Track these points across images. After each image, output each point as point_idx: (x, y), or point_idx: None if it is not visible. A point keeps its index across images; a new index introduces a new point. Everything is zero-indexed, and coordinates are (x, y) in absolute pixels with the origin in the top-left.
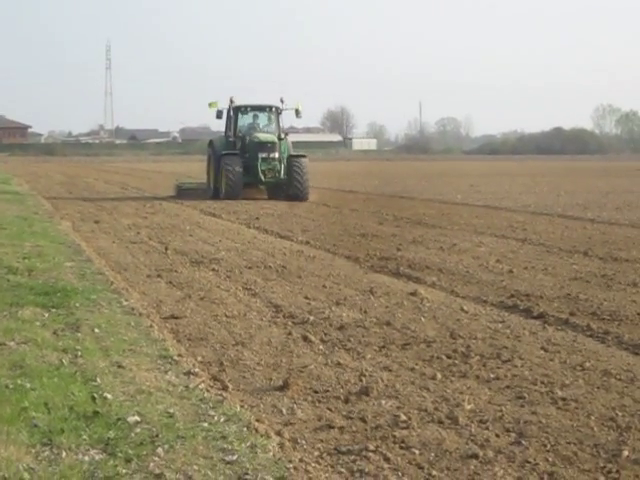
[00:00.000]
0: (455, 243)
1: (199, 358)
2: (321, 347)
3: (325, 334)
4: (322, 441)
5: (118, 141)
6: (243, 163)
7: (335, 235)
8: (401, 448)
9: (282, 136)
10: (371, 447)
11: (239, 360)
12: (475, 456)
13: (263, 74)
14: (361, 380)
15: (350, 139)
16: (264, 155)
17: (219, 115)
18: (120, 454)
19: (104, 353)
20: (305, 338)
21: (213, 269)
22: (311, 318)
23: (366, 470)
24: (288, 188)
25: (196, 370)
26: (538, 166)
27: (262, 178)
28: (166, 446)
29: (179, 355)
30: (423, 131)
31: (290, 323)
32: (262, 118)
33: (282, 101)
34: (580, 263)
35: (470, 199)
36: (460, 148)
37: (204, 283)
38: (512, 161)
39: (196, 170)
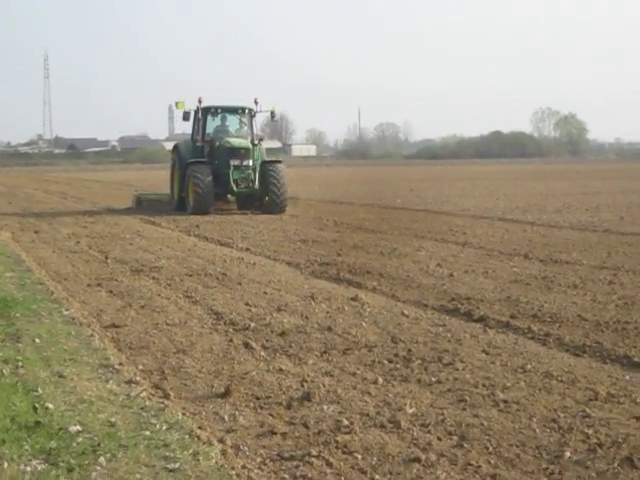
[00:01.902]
0: (395, 248)
1: (140, 366)
2: (262, 353)
3: (266, 340)
4: (265, 447)
5: (57, 151)
6: (212, 171)
7: (275, 241)
8: (344, 453)
9: (256, 141)
10: (314, 452)
11: (180, 368)
12: (418, 460)
13: (204, 79)
14: (303, 386)
15: (289, 145)
16: (236, 162)
17: (186, 117)
18: (62, 464)
19: (45, 363)
20: (246, 345)
21: (153, 277)
22: (252, 325)
23: (309, 476)
24: (263, 199)
25: (137, 379)
26: (477, 170)
27: (234, 188)
28: (108, 455)
29: (120, 364)
30: (362, 136)
31: (231, 330)
32: (234, 121)
33: (256, 102)
34: (520, 266)
35: (410, 203)
36: (399, 153)
37: (144, 292)
38: (451, 165)
39: (134, 178)
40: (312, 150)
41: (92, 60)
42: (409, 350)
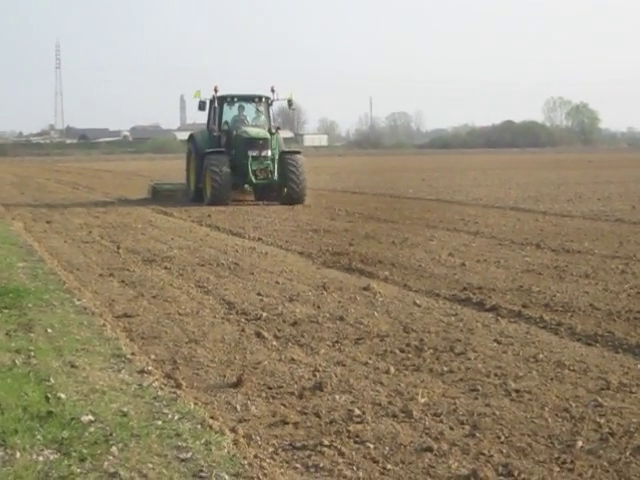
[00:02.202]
0: (407, 237)
1: (152, 356)
2: (274, 343)
3: (278, 330)
4: (277, 437)
5: (69, 141)
6: (230, 162)
7: (287, 231)
8: (355, 442)
9: (273, 130)
10: (326, 442)
11: (192, 357)
12: (429, 449)
13: (216, 68)
14: (315, 375)
15: (301, 135)
16: (255, 153)
17: (202, 106)
18: (74, 454)
19: (57, 353)
20: (258, 334)
21: (165, 267)
22: (264, 314)
23: (321, 465)
24: (281, 190)
25: (149, 368)
26: (489, 159)
27: (253, 179)
28: (120, 445)
29: (132, 354)
30: (374, 126)
31: (243, 320)
32: (250, 110)
33: (273, 90)
34: (532, 255)
35: (422, 193)
36: (411, 143)
37: (156, 281)
38: (463, 155)
39: (146, 168)
40: (324, 140)
41: (104, 50)
42: (421, 340)
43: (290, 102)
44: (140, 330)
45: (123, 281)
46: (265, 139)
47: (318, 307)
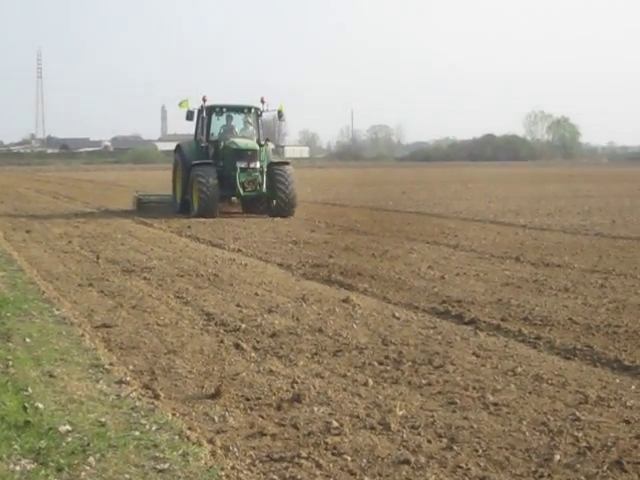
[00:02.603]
0: (387, 250)
1: (131, 367)
2: (253, 355)
3: (257, 342)
4: (254, 448)
5: (50, 150)
6: (217, 173)
7: (267, 243)
8: (333, 454)
9: (262, 142)
10: (303, 454)
11: (171, 368)
12: (407, 462)
13: (193, 82)
14: (293, 387)
15: (282, 147)
16: (243, 165)
17: (189, 116)
18: (52, 463)
19: (35, 363)
20: (237, 346)
21: (145, 278)
22: (243, 326)
23: (298, 477)
24: (270, 202)
25: (128, 379)
26: (470, 172)
27: (241, 191)
28: (97, 455)
29: (110, 364)
30: (355, 138)
31: (222, 331)
32: (239, 121)
33: (263, 102)
34: (512, 269)
35: (402, 206)
36: (392, 155)
37: (136, 292)
38: (444, 168)
39: (127, 179)
40: (305, 152)
41: (85, 60)
42: (400, 352)
43: (280, 114)
44: (119, 340)
45: (102, 291)
46: (254, 150)
47: (297, 319)
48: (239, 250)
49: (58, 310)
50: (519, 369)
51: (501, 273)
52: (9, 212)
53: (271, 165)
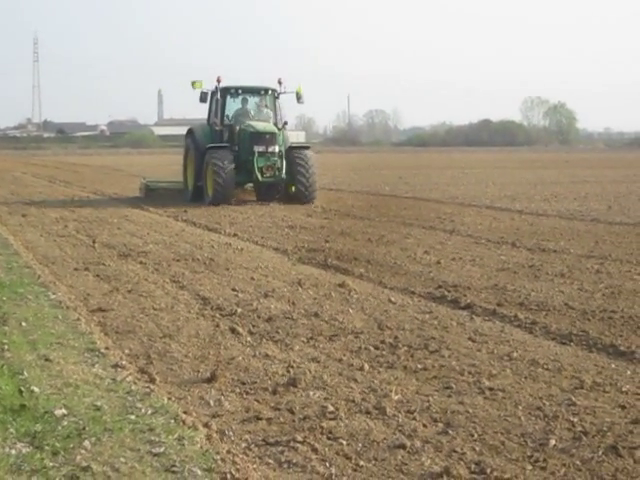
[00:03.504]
0: (383, 235)
1: (126, 351)
2: (249, 339)
3: (253, 326)
4: (250, 432)
5: (46, 134)
6: (233, 158)
7: (263, 227)
8: (329, 439)
9: (280, 125)
10: (299, 438)
11: (166, 352)
12: (403, 446)
13: (192, 63)
14: (289, 371)
15: None
16: (261, 149)
17: (203, 98)
18: (47, 447)
19: (31, 346)
20: (233, 330)
21: (141, 262)
22: (239, 310)
23: (294, 461)
24: (289, 188)
25: (123, 363)
26: (466, 158)
27: (259, 177)
28: (93, 439)
29: (106, 348)
30: (351, 123)
31: (218, 315)
32: (255, 103)
33: (280, 83)
34: (508, 254)
35: (398, 191)
36: (388, 140)
37: (132, 276)
38: (440, 153)
39: (124, 163)
40: (301, 136)
41: (82, 44)
42: (395, 337)
43: (299, 95)
44: (114, 324)
45: (98, 275)
46: (272, 134)
47: (293, 303)
48: (235, 234)
49: (54, 294)
50: (515, 354)
51: (497, 258)
52: (5, 196)
53: (290, 149)
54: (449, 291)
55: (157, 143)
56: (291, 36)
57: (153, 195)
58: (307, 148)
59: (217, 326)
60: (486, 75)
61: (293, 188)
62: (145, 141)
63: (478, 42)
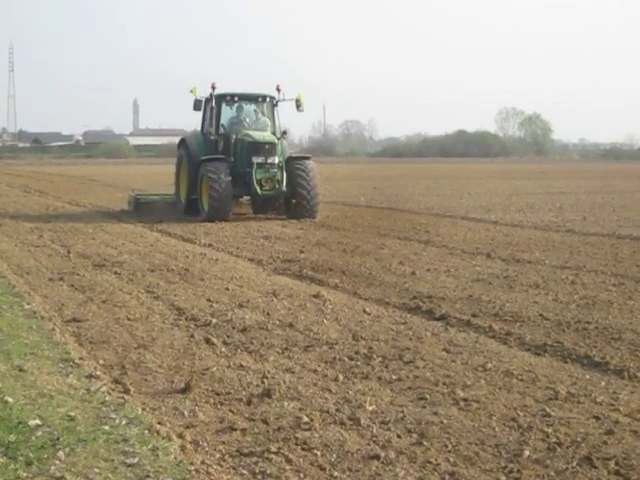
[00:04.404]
0: (358, 245)
1: (101, 361)
2: (223, 349)
3: (228, 336)
4: (224, 443)
5: (21, 144)
6: (230, 170)
7: (238, 238)
8: (303, 449)
9: (279, 135)
10: (273, 449)
11: (141, 363)
12: (377, 457)
13: (170, 74)
14: (263, 382)
15: None
16: (259, 160)
17: (197, 106)
18: (21, 457)
19: (5, 357)
20: (207, 341)
21: (115, 272)
22: (214, 321)
23: (268, 472)
24: (289, 202)
25: (98, 373)
26: (441, 168)
27: (257, 190)
28: (67, 449)
29: (81, 358)
30: (327, 134)
31: (192, 326)
32: (252, 111)
33: (279, 90)
34: (483, 265)
35: (373, 201)
36: (364, 151)
37: (106, 286)
38: (416, 164)
39: (99, 173)
40: None
41: (57, 53)
42: (370, 348)
43: (298, 103)
44: (89, 335)
45: (73, 285)
46: (272, 144)
47: (268, 314)
48: (210, 245)
49: (28, 304)
50: (489, 365)
51: (472, 269)
52: None
53: (290, 160)
54: (424, 302)
55: (132, 153)
56: (267, 46)
57: (143, 209)
58: (308, 158)
59: (192, 336)
60: (461, 86)
61: (294, 201)
62: (120, 151)
63: (454, 54)
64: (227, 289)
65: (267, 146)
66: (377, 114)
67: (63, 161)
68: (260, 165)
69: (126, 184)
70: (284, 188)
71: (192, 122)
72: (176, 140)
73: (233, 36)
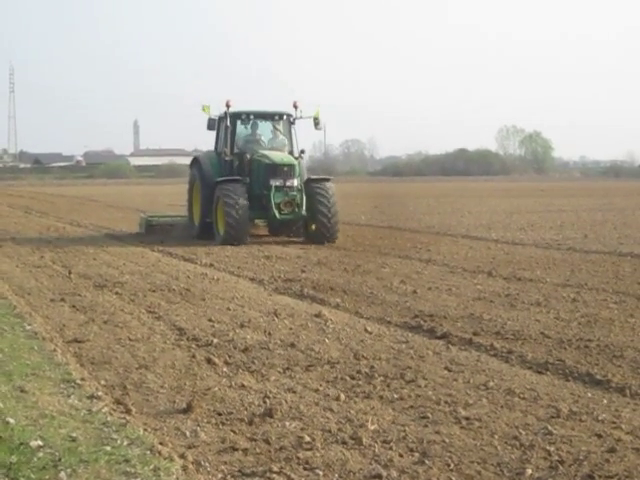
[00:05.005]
0: (359, 264)
1: (102, 382)
2: (225, 369)
3: (229, 356)
4: (226, 463)
5: (22, 165)
6: (246, 192)
7: (239, 257)
8: (305, 469)
9: (297, 155)
10: (275, 468)
11: (142, 383)
12: (379, 476)
13: (169, 95)
14: (265, 402)
15: None
16: (278, 183)
17: (211, 125)
18: (22, 479)
19: (7, 377)
20: (209, 360)
21: (117, 292)
22: (215, 340)
23: None
24: (308, 226)
25: (99, 394)
26: (442, 187)
27: (276, 214)
28: (69, 470)
29: (82, 379)
30: (328, 153)
31: (194, 346)
32: (268, 129)
33: (296, 107)
34: (484, 283)
35: (374, 220)
36: (364, 169)
37: (108, 307)
38: (416, 182)
39: (99, 193)
40: None
41: (58, 74)
42: (372, 367)
43: (317, 121)
44: (90, 355)
45: (74, 306)
46: (291, 165)
47: (269, 334)
48: (211, 265)
49: (29, 325)
50: (491, 383)
51: (473, 287)
52: None
53: (309, 182)
54: (425, 321)
55: (133, 173)
56: (266, 65)
57: (155, 231)
58: (327, 180)
59: (193, 357)
60: (462, 104)
61: (313, 225)
62: (121, 171)
63: (454, 73)
64: (228, 309)
65: (286, 168)
66: (378, 133)
67: (64, 182)
68: (278, 188)
69: (127, 204)
70: (304, 212)
71: (192, 141)
72: (176, 160)
73: (233, 56)
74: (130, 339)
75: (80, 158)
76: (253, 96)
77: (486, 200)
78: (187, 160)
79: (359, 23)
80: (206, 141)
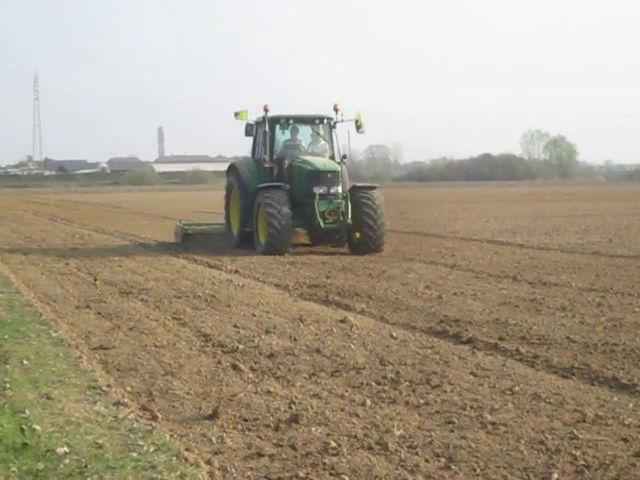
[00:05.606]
0: (384, 270)
1: (128, 388)
2: (251, 375)
3: (255, 362)
4: (252, 469)
5: (47, 172)
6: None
7: (264, 263)
8: (331, 475)
9: (338, 160)
10: (301, 474)
11: (168, 390)
12: None
13: (193, 101)
14: (291, 407)
15: None
16: (322, 190)
17: (249, 131)
18: None
19: (33, 385)
20: (234, 367)
21: (142, 299)
22: (240, 347)
23: None
24: (352, 235)
25: (125, 400)
26: (467, 192)
27: (320, 224)
28: (95, 477)
29: (108, 385)
30: (352, 159)
31: (219, 352)
32: (308, 134)
33: (336, 110)
34: (509, 288)
35: (399, 226)
36: (389, 175)
37: (133, 313)
38: (441, 187)
39: (124, 200)
40: None
41: (82, 82)
42: (397, 372)
43: (358, 124)
44: (116, 362)
45: (99, 313)
46: (334, 172)
47: (295, 339)
48: (236, 271)
49: (55, 332)
50: (517, 388)
51: (498, 292)
52: (6, 234)
53: (354, 189)
54: (450, 326)
55: (158, 180)
56: (288, 69)
57: (191, 241)
58: (373, 188)
59: (219, 363)
60: (486, 109)
61: (357, 234)
62: (146, 178)
63: (478, 77)
64: (254, 315)
65: (329, 175)
66: (402, 138)
67: (89, 189)
68: (322, 196)
69: (152, 211)
70: (349, 220)
71: (216, 148)
72: (201, 166)
73: (255, 62)
74: (156, 345)
75: (105, 165)
76: (277, 101)
77: (511, 205)
78: (211, 167)
79: (383, 29)
80: (231, 147)
